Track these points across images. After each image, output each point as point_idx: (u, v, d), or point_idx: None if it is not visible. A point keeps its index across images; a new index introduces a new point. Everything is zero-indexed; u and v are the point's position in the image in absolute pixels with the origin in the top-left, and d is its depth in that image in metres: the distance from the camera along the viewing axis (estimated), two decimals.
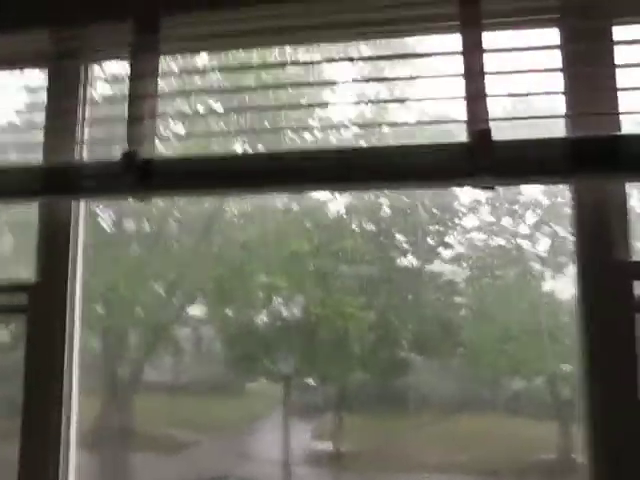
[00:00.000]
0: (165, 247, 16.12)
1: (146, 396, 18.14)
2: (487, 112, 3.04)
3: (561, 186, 11.91)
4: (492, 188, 2.21)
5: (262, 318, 12.80)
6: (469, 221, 18.32)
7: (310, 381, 14.41)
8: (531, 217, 17.60)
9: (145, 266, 13.53)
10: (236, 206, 17.71)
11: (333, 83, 4.28)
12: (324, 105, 4.64)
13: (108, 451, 15.92)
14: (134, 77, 3.93)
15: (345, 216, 16.03)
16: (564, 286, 16.44)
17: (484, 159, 2.50)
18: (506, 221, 17.92)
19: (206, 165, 3.56)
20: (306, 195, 16.01)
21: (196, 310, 15.89)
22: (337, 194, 16.43)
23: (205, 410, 16.47)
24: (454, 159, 2.73)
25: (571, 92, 2.95)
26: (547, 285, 17.73)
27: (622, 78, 3.21)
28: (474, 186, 2.17)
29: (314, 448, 15.25)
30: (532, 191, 17.04)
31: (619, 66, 3.13)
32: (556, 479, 15.16)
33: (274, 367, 9.41)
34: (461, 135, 3.36)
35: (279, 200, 16.85)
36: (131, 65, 4.09)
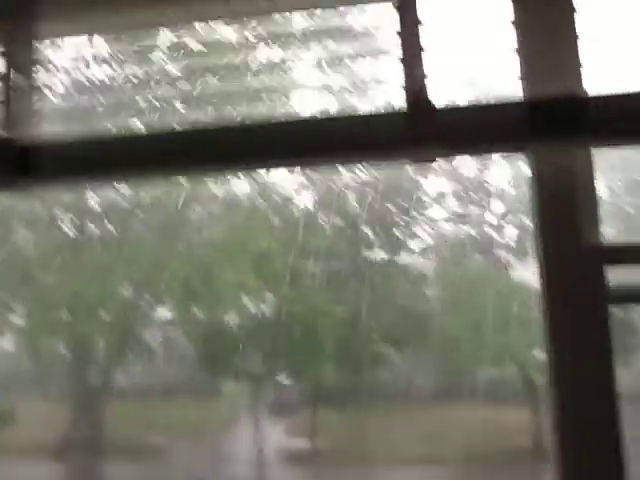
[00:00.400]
0: (129, 249, 15.81)
1: (117, 402, 17.76)
2: (426, 75, 2.78)
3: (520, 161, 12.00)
4: (435, 160, 1.94)
5: (232, 318, 12.64)
6: (435, 212, 18.24)
7: (283, 379, 14.30)
8: (497, 207, 17.63)
9: (109, 269, 13.25)
10: (201, 204, 17.40)
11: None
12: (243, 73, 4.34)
13: (79, 460, 15.55)
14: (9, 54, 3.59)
15: (312, 211, 15.86)
16: (533, 274, 16.36)
17: (426, 127, 2.21)
18: (472, 210, 17.95)
19: (94, 148, 3.13)
20: (272, 190, 15.79)
21: (164, 312, 15.63)
22: (302, 190, 16.14)
23: (178, 413, 16.22)
24: (392, 129, 2.43)
25: (525, 47, 2.71)
26: (516, 273, 17.84)
27: (584, 27, 2.95)
28: (417, 159, 1.89)
29: (290, 446, 15.15)
30: (498, 181, 17.06)
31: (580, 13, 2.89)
32: (530, 464, 15.31)
33: (246, 366, 9.29)
34: (400, 102, 3.15)
35: (244, 197, 16.61)
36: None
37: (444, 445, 15.85)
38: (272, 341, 11.16)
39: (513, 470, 14.11)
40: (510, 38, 2.86)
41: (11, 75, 3.82)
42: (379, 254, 16.46)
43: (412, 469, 13.48)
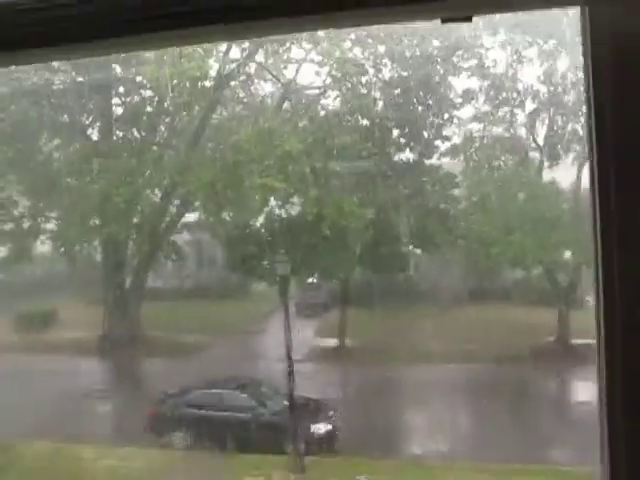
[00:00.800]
0: (158, 154, 15.54)
1: (152, 303, 18.03)
2: None
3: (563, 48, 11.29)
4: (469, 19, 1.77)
5: (260, 220, 12.66)
6: (465, 112, 17.22)
7: (312, 280, 14.38)
8: (529, 105, 16.53)
9: (138, 174, 13.22)
10: (226, 107, 16.83)
11: None
12: None
13: (118, 359, 15.94)
14: None
15: (339, 112, 15.26)
16: (563, 174, 15.95)
17: None
18: (503, 110, 17.07)
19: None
20: (297, 91, 15.15)
21: (193, 216, 15.60)
22: (328, 90, 15.42)
23: (211, 314, 16.45)
24: None
25: None
26: (546, 174, 17.14)
27: None
28: (446, 15, 1.72)
29: (319, 344, 15.35)
30: (530, 78, 15.84)
31: None
32: (556, 363, 15.30)
33: (275, 268, 9.43)
34: None
35: (270, 99, 16.00)
36: None
37: (471, 344, 15.89)
38: (300, 243, 11.27)
39: (539, 369, 14.22)
40: None
41: None
42: (407, 155, 15.94)
43: (438, 367, 13.69)
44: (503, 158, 18.67)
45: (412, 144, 17.33)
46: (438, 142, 18.07)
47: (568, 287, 18.29)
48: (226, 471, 9.12)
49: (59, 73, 17.11)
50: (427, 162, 17.67)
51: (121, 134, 19.16)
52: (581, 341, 17.12)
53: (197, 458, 9.68)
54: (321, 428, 10.07)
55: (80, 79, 17.27)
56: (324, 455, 9.63)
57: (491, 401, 11.87)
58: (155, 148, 18.42)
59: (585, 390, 14.55)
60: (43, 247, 19.88)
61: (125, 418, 11.85)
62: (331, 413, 10.51)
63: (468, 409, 12.23)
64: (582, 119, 16.44)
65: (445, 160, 18.65)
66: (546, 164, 18.41)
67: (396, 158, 17.20)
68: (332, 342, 17.92)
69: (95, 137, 19.10)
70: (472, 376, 16.13)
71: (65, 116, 18.17)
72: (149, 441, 10.21)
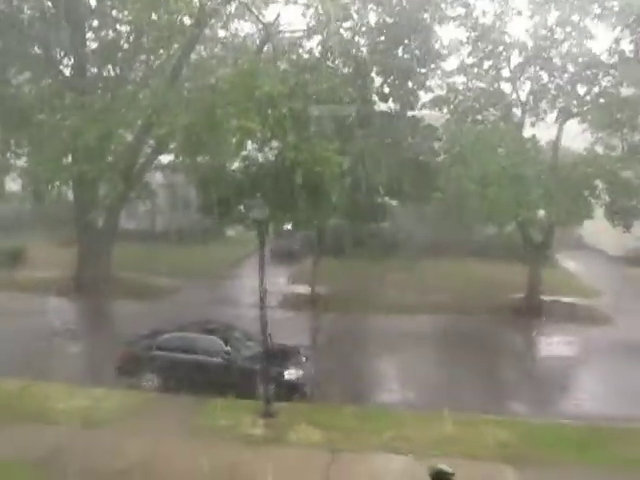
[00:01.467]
0: (133, 93, 14.95)
1: (124, 244, 17.68)
2: None
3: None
4: None
5: (236, 164, 12.36)
6: (450, 64, 16.77)
7: (287, 226, 14.15)
8: (515, 59, 16.11)
9: (111, 112, 12.73)
10: (206, 47, 16.20)
11: None
12: None
13: (89, 299, 15.67)
14: None
15: (321, 57, 14.80)
16: (544, 132, 15.83)
17: None
18: (488, 63, 16.76)
19: None
20: (279, 33, 14.65)
21: (168, 158, 15.13)
22: (311, 33, 14.94)
23: (184, 257, 16.15)
24: None
25: None
26: (528, 131, 16.91)
27: None
28: None
29: (292, 291, 15.21)
30: (517, 31, 15.62)
31: None
32: (525, 317, 15.45)
33: (250, 213, 9.26)
34: None
35: (250, 40, 15.48)
36: None
37: (443, 296, 15.93)
38: (276, 189, 11.08)
39: (508, 324, 14.38)
40: None
41: None
42: (389, 104, 15.62)
43: (408, 318, 13.77)
44: (485, 112, 18.52)
45: (395, 93, 17.03)
46: (421, 93, 17.82)
47: (540, 245, 18.49)
48: (196, 414, 9.17)
49: (29, 0, 16.32)
50: (409, 113, 17.43)
51: (95, 70, 18.50)
52: (550, 298, 17.49)
53: (167, 400, 9.71)
54: (292, 374, 10.14)
55: (52, 10, 16.50)
56: (294, 400, 9.73)
57: (459, 353, 12.08)
58: (130, 86, 17.82)
59: (551, 345, 14.93)
60: (13, 185, 19.39)
61: (95, 359, 11.81)
62: (302, 359, 10.58)
63: (437, 360, 12.45)
64: (567, 75, 16.35)
65: (426, 112, 18.44)
66: (528, 120, 18.33)
67: (378, 107, 16.91)
68: (305, 289, 18.02)
69: (67, 72, 18.40)
70: (441, 327, 16.41)
71: (36, 48, 17.39)
72: (119, 382, 10.21)
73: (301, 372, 10.07)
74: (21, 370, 10.15)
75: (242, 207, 12.90)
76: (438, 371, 12.03)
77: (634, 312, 14.54)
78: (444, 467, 1.02)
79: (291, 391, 9.70)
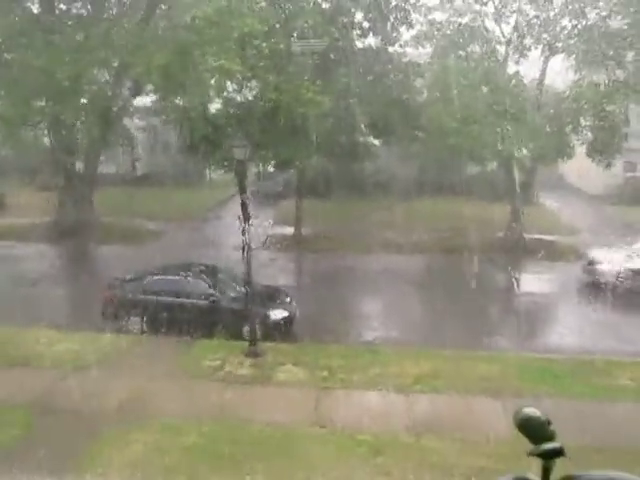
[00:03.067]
0: (106, 31, 14.43)
1: (105, 189, 17.50)
2: None
3: None
4: None
5: (215, 105, 12.12)
6: None
7: (269, 168, 14.03)
8: None
9: (84, 52, 12.31)
10: None
11: None
12: None
13: (71, 245, 15.57)
14: None
15: None
16: (529, 70, 15.46)
17: None
18: None
19: None
20: None
21: (146, 99, 14.81)
22: None
23: (166, 200, 16.04)
24: None
25: None
26: (511, 68, 16.54)
27: None
28: None
29: (275, 232, 15.23)
30: None
31: None
32: (508, 254, 15.59)
33: (232, 153, 9.15)
34: None
35: None
36: None
37: (427, 235, 16.01)
38: (257, 130, 10.91)
39: (490, 262, 14.54)
40: None
41: None
42: (370, 40, 15.21)
43: (392, 257, 13.85)
44: (468, 49, 18.21)
45: (376, 29, 16.60)
46: (403, 29, 17.38)
47: (523, 184, 18.58)
48: (184, 355, 9.30)
49: None
50: (390, 49, 17.07)
51: (64, 7, 17.72)
52: (532, 236, 17.69)
53: (154, 342, 9.81)
54: (277, 314, 10.25)
55: None
56: (280, 341, 9.88)
57: (443, 290, 12.24)
58: (103, 25, 17.11)
59: (532, 282, 15.19)
60: None
61: (81, 303, 11.83)
62: (287, 300, 10.69)
63: (420, 297, 12.63)
64: (554, 8, 16.00)
65: (410, 50, 18.08)
66: (512, 57, 18.10)
67: (359, 43, 16.53)
68: (289, 230, 18.02)
69: (35, 10, 17.60)
70: (425, 266, 16.64)
71: None
72: (106, 326, 10.27)
73: (286, 312, 10.19)
74: (7, 316, 10.18)
75: (223, 148, 12.68)
76: (421, 309, 12.25)
77: (609, 248, 14.80)
78: (533, 411, 0.79)
79: (277, 331, 9.83)
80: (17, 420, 7.39)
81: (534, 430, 0.92)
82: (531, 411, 0.92)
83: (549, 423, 0.92)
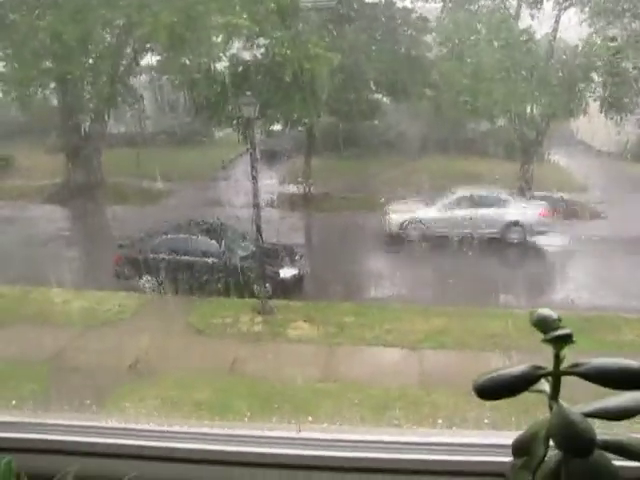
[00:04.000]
0: None
1: (113, 149, 17.47)
2: None
3: None
4: None
5: (222, 63, 12.01)
6: None
7: (277, 126, 14.02)
8: None
9: (89, 11, 12.18)
10: None
11: None
12: None
13: (80, 206, 15.68)
14: None
15: None
16: (542, 23, 15.15)
17: None
18: None
19: None
20: None
21: (152, 59, 14.69)
22: None
23: (174, 160, 16.10)
24: None
25: None
26: (523, 22, 16.27)
27: None
28: None
29: (284, 191, 15.30)
30: None
31: None
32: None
33: (240, 111, 9.08)
34: None
35: None
36: None
37: (434, 193, 15.91)
38: (264, 87, 10.79)
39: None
40: None
41: None
42: None
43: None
44: (480, 3, 17.84)
45: None
46: None
47: (533, 141, 18.41)
48: (195, 313, 9.46)
49: None
50: (400, 4, 16.75)
51: None
52: (541, 193, 17.60)
53: (165, 301, 9.96)
54: (287, 272, 10.39)
55: None
56: (290, 298, 10.00)
57: (451, 248, 12.26)
58: None
59: (540, 241, 15.19)
60: None
61: (92, 263, 11.95)
62: (297, 258, 10.77)
63: (429, 255, 12.66)
64: None
65: (419, 4, 17.74)
66: (525, 11, 17.71)
67: None
68: (297, 189, 17.98)
69: None
70: None
71: None
72: (117, 285, 10.41)
73: (296, 270, 10.28)
74: (19, 276, 10.31)
75: (230, 107, 12.63)
76: (430, 266, 12.30)
77: (621, 205, 14.73)
78: (547, 312, 0.91)
79: (287, 289, 9.94)
80: (34, 376, 7.58)
81: (547, 325, 1.05)
82: (545, 311, 1.06)
83: (560, 320, 1.06)
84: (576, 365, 1.08)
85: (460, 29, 14.80)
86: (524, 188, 16.72)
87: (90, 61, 14.85)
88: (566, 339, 1.07)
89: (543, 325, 1.11)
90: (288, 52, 12.00)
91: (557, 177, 18.95)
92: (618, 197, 15.27)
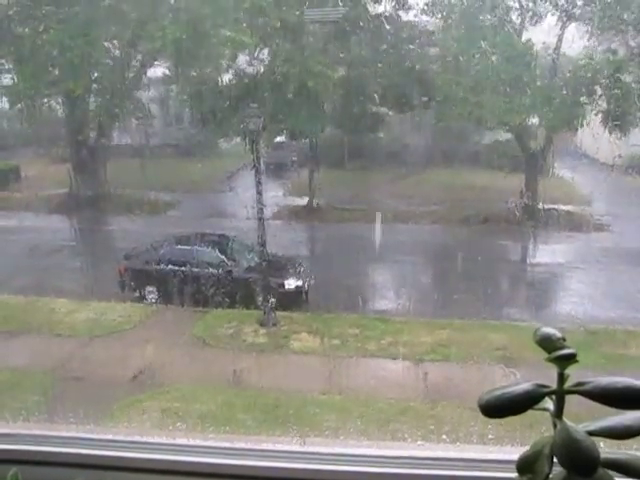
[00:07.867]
0: (116, 4, 14.39)
1: (119, 161, 17.56)
2: None
3: None
4: None
5: (228, 76, 12.08)
6: None
7: (281, 138, 14.06)
8: None
9: (94, 25, 12.28)
10: None
11: None
12: None
13: (86, 216, 15.73)
14: None
15: None
16: (544, 38, 15.31)
17: None
18: None
19: None
20: None
21: (157, 72, 14.81)
22: None
23: (179, 171, 16.12)
24: None
25: None
26: (525, 35, 16.45)
27: None
28: None
29: (288, 203, 15.31)
30: None
31: None
32: (522, 225, 15.40)
33: (245, 123, 9.13)
34: None
35: None
36: None
37: (438, 206, 16.03)
38: (269, 101, 10.86)
39: (503, 232, 14.56)
40: None
41: None
42: (384, 9, 15.06)
43: (404, 227, 13.87)
44: (481, 17, 17.86)
45: None
46: None
47: (537, 153, 18.38)
48: (199, 324, 9.45)
49: None
50: (404, 17, 16.79)
51: None
52: (547, 206, 17.52)
53: (169, 312, 9.96)
54: (291, 284, 10.42)
55: None
56: (294, 310, 10.00)
57: (454, 261, 12.23)
58: None
59: (546, 253, 15.16)
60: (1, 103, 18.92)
61: (97, 274, 11.97)
62: (301, 269, 10.79)
63: (432, 268, 12.65)
64: None
65: (424, 18, 17.77)
66: (527, 24, 17.71)
67: (371, 10, 16.21)
68: (301, 201, 18.01)
69: None
70: (437, 236, 16.22)
71: None
72: (121, 296, 10.42)
73: (300, 282, 10.28)
74: (24, 286, 10.33)
75: (236, 119, 12.68)
76: (434, 279, 12.28)
77: (626, 219, 14.71)
78: (551, 331, 0.88)
79: (291, 301, 9.93)
80: (36, 386, 7.57)
81: (551, 343, 1.05)
82: (548, 330, 1.07)
83: (564, 339, 1.06)
84: (580, 384, 1.08)
85: (461, 43, 14.83)
86: (529, 200, 16.71)
87: (96, 74, 14.94)
88: (570, 359, 1.07)
89: (547, 344, 1.12)
90: (291, 69, 12.04)
91: (562, 190, 18.91)
92: (623, 210, 15.24)
